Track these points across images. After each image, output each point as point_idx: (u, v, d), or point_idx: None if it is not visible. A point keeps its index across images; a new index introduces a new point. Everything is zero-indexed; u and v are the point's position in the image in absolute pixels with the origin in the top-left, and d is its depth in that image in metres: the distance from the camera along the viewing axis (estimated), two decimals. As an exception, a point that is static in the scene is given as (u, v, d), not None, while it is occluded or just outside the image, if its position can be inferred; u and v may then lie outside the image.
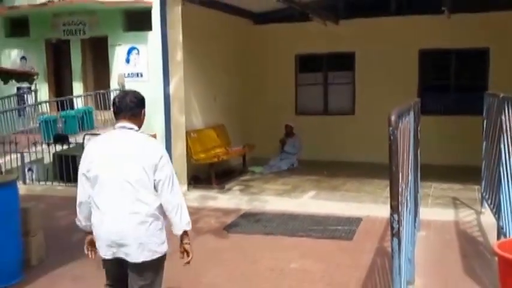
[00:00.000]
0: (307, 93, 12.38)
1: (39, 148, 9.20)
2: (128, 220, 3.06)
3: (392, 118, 3.01)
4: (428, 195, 8.07)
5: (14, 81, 8.22)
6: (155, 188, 3.11)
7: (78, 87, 10.33)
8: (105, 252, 3.16)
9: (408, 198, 4.14)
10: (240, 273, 5.11)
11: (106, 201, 3.09)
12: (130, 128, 3.16)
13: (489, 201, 6.38)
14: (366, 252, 5.52)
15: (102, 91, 9.74)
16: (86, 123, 9.55)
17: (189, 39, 8.82)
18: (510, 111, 4.96)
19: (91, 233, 3.30)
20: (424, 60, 11.43)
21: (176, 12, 8.50)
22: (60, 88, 10.70)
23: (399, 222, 3.12)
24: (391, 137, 3.00)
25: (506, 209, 5.08)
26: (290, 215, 7.13)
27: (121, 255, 3.12)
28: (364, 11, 11.18)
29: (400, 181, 3.28)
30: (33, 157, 9.27)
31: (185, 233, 3.20)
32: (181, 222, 3.16)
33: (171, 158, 3.50)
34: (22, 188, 7.15)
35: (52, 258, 5.49)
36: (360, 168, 10.56)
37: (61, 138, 9.05)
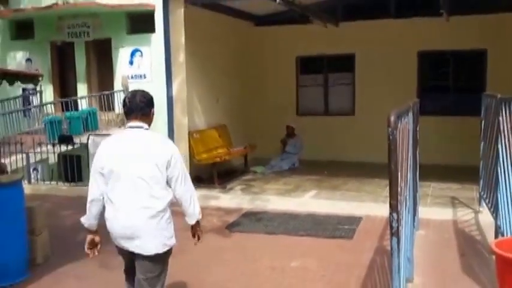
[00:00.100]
0: (308, 95, 12.45)
1: (44, 148, 9.26)
2: (141, 215, 3.18)
3: (392, 119, 3.04)
4: (427, 195, 8.09)
5: (19, 82, 8.26)
6: (168, 183, 3.26)
7: (82, 89, 10.36)
8: (119, 244, 3.31)
9: (407, 197, 4.16)
10: (242, 271, 5.14)
11: (120, 197, 3.22)
12: (142, 127, 3.29)
13: (487, 201, 6.41)
14: (366, 251, 5.54)
15: (106, 92, 9.79)
16: (90, 124, 9.58)
17: (192, 41, 8.90)
18: (507, 112, 4.98)
19: (94, 232, 3.41)
20: (423, 61, 11.49)
21: (178, 15, 8.59)
22: (65, 89, 10.73)
23: (398, 221, 3.14)
24: (390, 137, 3.03)
25: (504, 208, 5.11)
26: (291, 214, 7.18)
27: (133, 248, 3.24)
28: (364, 14, 11.26)
29: (399, 180, 3.31)
30: (38, 157, 9.33)
31: (197, 221, 3.45)
32: (195, 213, 3.41)
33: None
34: (27, 188, 7.13)
35: (57, 256, 5.52)
36: (360, 168, 10.60)
37: (66, 139, 9.09)
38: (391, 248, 3.20)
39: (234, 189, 9.32)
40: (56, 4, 9.65)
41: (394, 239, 3.16)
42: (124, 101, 3.35)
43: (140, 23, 9.57)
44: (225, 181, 9.69)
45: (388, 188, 3.17)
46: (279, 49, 12.14)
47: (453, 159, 10.54)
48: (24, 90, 10.35)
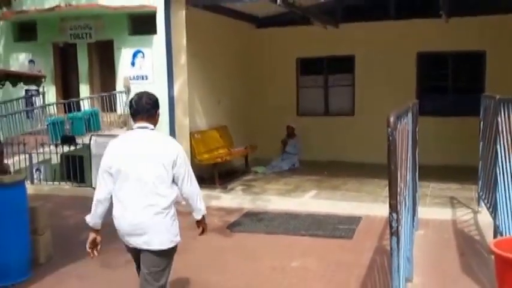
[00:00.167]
0: (308, 95, 12.49)
1: (46, 149, 9.30)
2: (146, 212, 3.28)
3: (391, 119, 3.08)
4: (427, 195, 8.12)
5: (22, 84, 8.30)
6: (174, 181, 3.37)
7: (84, 90, 10.39)
8: (126, 242, 3.38)
9: (407, 197, 4.19)
10: (242, 271, 5.18)
11: (127, 196, 3.30)
12: (147, 128, 3.39)
13: (486, 201, 6.43)
14: (366, 250, 5.57)
15: (108, 93, 9.84)
16: (92, 124, 9.61)
17: (193, 42, 8.93)
18: (506, 112, 5.01)
19: (97, 231, 3.47)
20: (422, 62, 11.52)
21: (180, 17, 8.61)
22: (67, 90, 10.75)
23: (398, 221, 3.17)
24: (390, 138, 3.06)
25: (502, 208, 5.15)
26: (291, 214, 7.22)
27: (140, 245, 3.32)
28: (364, 15, 11.29)
29: (399, 181, 3.33)
30: (41, 158, 9.36)
31: (203, 216, 3.60)
32: (202, 208, 3.56)
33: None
34: (30, 188, 7.13)
35: (59, 256, 5.54)
36: (360, 168, 10.63)
37: (68, 139, 9.13)
38: (391, 248, 3.22)
39: (235, 189, 9.35)
40: (59, 6, 9.69)
41: (394, 239, 3.18)
42: (130, 102, 3.44)
43: (142, 24, 9.60)
44: (226, 181, 9.74)
45: (387, 188, 3.19)
46: (280, 51, 12.19)
47: (452, 160, 10.58)
48: (27, 91, 10.36)
